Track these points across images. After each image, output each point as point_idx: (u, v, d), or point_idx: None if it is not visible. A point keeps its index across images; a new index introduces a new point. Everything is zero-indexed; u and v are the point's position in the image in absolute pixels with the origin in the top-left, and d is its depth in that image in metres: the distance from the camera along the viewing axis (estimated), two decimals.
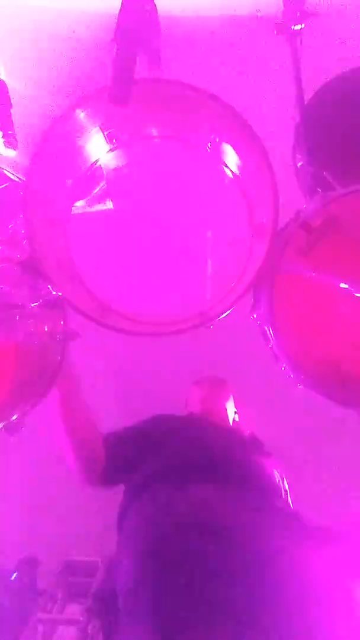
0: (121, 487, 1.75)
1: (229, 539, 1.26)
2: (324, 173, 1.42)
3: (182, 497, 1.41)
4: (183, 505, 1.38)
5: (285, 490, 1.78)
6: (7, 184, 1.55)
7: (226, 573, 1.19)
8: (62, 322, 1.43)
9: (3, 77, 1.77)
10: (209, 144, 1.33)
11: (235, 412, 2.17)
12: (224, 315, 1.26)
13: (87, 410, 1.58)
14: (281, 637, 1.11)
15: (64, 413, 1.52)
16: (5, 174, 1.57)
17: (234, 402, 2.20)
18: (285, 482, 1.82)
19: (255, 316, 1.40)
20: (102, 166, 1.37)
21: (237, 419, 2.15)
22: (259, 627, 1.11)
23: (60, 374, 1.35)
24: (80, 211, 1.39)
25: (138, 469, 1.65)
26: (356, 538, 1.34)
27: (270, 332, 1.29)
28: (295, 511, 1.62)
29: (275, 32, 1.49)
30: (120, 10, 1.15)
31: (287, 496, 1.77)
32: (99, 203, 1.39)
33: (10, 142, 1.62)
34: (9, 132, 1.62)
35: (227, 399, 2.13)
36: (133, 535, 1.40)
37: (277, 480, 1.74)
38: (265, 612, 1.13)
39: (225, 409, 2.09)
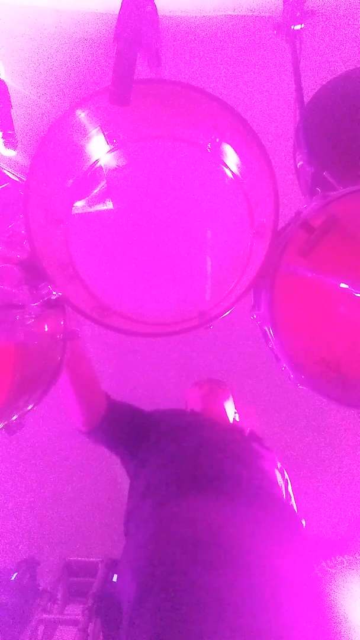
0: (121, 488, 1.75)
1: (229, 556, 1.26)
2: (324, 173, 1.42)
3: (182, 513, 1.40)
4: (183, 522, 1.37)
5: (286, 481, 1.79)
6: (7, 183, 1.55)
7: (225, 591, 1.19)
8: (62, 322, 1.43)
9: (3, 77, 1.77)
10: (209, 144, 1.32)
11: (235, 412, 2.18)
12: (224, 315, 1.26)
13: (89, 360, 1.74)
14: None
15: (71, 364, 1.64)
16: (5, 174, 1.56)
17: (235, 403, 2.20)
18: (285, 473, 1.83)
19: (255, 316, 1.40)
20: (102, 166, 1.37)
21: (237, 419, 2.16)
22: None
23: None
24: (80, 211, 1.39)
25: (133, 447, 1.74)
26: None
27: (270, 332, 1.28)
28: (297, 517, 1.62)
29: (275, 32, 1.49)
30: (120, 10, 1.14)
31: (289, 488, 1.77)
32: (99, 203, 1.39)
33: (10, 142, 1.62)
34: (9, 132, 1.61)
35: (226, 399, 2.14)
36: (134, 553, 1.40)
37: (278, 481, 1.74)
38: (268, 631, 1.13)
39: (224, 409, 2.09)
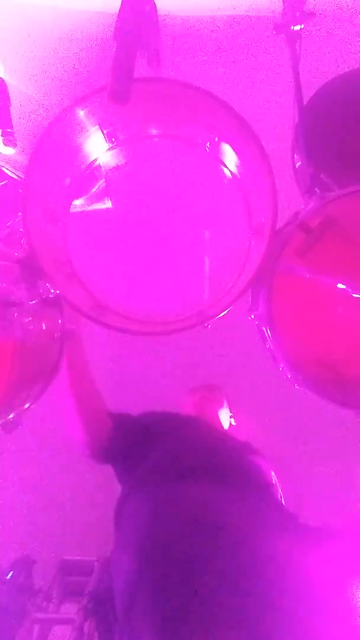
0: (117, 487, 1.75)
1: (228, 540, 1.25)
2: (321, 176, 1.42)
3: (182, 496, 1.40)
4: (183, 504, 1.37)
5: (280, 494, 1.78)
6: (5, 181, 1.55)
7: (225, 574, 1.19)
8: (59, 321, 1.43)
9: (2, 75, 1.77)
10: (208, 144, 1.33)
11: (231, 416, 2.19)
12: (222, 314, 1.26)
13: (93, 381, 1.67)
14: (279, 638, 1.11)
15: (71, 381, 1.60)
16: (4, 172, 1.56)
17: (231, 406, 2.21)
18: (279, 487, 1.82)
19: (253, 316, 1.40)
20: (101, 165, 1.37)
21: (233, 423, 2.17)
22: (257, 628, 1.11)
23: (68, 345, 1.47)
24: (78, 210, 1.39)
25: (136, 460, 1.68)
26: (352, 536, 1.34)
27: (268, 333, 1.29)
28: (292, 512, 1.62)
29: (275, 32, 1.49)
30: (120, 9, 1.14)
31: (282, 499, 1.77)
32: (98, 202, 1.39)
33: (9, 140, 1.62)
34: (8, 130, 1.61)
35: (219, 407, 2.15)
36: (133, 535, 1.39)
37: (273, 480, 1.74)
38: (264, 613, 1.13)
39: (218, 417, 2.11)
